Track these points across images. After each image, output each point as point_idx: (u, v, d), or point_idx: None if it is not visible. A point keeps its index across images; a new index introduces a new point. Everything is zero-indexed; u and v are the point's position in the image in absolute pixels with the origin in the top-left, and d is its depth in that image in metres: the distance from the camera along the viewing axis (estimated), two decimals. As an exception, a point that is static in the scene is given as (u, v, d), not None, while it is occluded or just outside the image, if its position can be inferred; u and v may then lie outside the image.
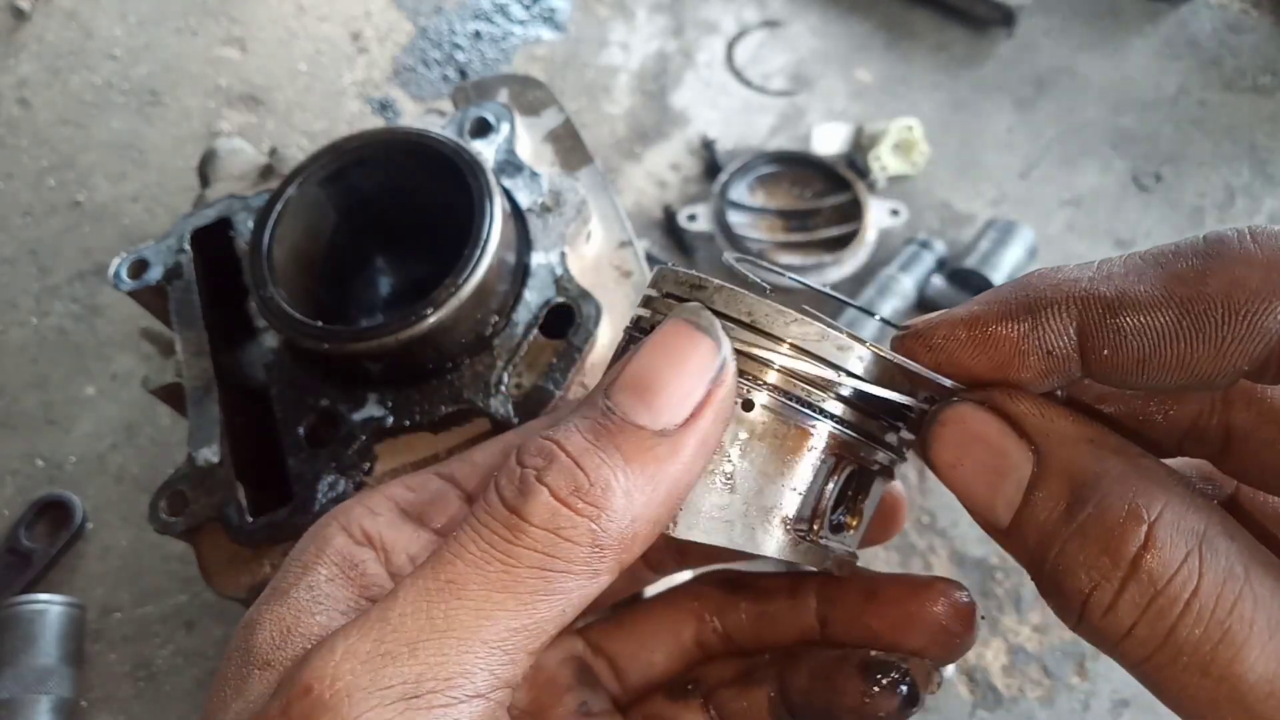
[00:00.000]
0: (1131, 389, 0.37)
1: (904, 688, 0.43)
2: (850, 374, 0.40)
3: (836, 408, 0.41)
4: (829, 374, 0.40)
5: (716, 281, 0.41)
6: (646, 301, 0.44)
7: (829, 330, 0.40)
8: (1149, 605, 0.32)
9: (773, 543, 0.41)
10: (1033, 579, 0.36)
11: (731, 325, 0.40)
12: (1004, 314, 0.37)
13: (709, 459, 0.39)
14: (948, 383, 0.39)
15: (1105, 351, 0.35)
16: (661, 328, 0.39)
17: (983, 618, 0.42)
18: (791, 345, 0.40)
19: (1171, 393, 0.39)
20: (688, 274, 0.42)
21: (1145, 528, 0.32)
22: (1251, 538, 0.33)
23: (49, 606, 1.14)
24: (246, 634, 0.40)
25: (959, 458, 0.38)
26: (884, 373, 0.41)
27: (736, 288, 0.41)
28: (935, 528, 1.28)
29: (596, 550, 0.36)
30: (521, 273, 0.74)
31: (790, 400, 0.40)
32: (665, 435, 0.37)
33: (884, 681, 0.43)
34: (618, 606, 0.54)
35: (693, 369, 0.38)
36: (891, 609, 0.44)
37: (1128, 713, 1.16)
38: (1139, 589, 0.32)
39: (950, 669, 1.16)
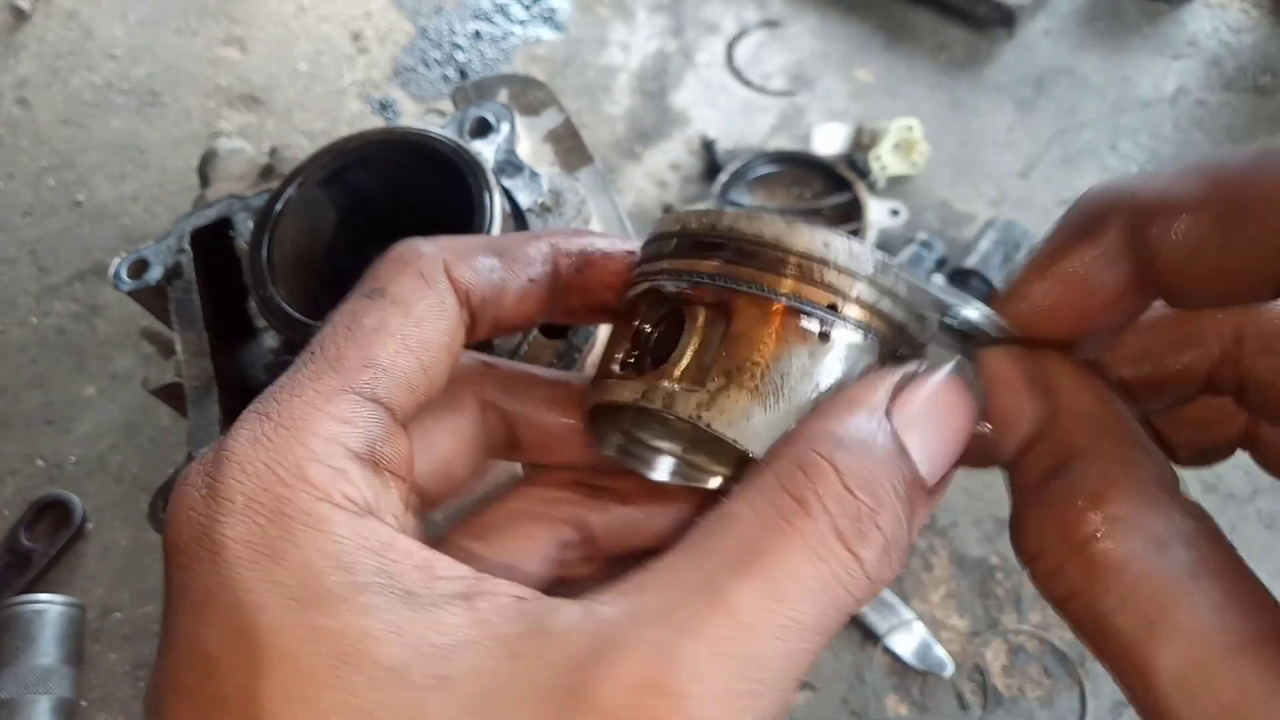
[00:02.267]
0: (1185, 307, 0.37)
1: None
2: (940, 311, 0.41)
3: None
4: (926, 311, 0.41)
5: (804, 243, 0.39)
6: (707, 252, 0.40)
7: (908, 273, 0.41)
8: (1084, 588, 0.33)
9: None
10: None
11: (848, 274, 0.39)
12: (1070, 241, 0.37)
13: None
14: (999, 326, 0.39)
15: (1149, 260, 0.35)
16: (956, 378, 0.38)
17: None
18: (873, 283, 0.40)
19: (1216, 306, 0.38)
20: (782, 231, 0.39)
21: (1101, 517, 0.33)
22: (1222, 551, 0.34)
23: (49, 606, 1.14)
24: (365, 646, 0.32)
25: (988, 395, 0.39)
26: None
27: (828, 231, 0.40)
28: (935, 527, 1.28)
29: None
30: (521, 273, 0.75)
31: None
32: (929, 493, 0.37)
33: None
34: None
35: (966, 438, 0.38)
36: None
37: (1128, 713, 1.16)
38: (1078, 570, 0.33)
39: (950, 668, 1.16)
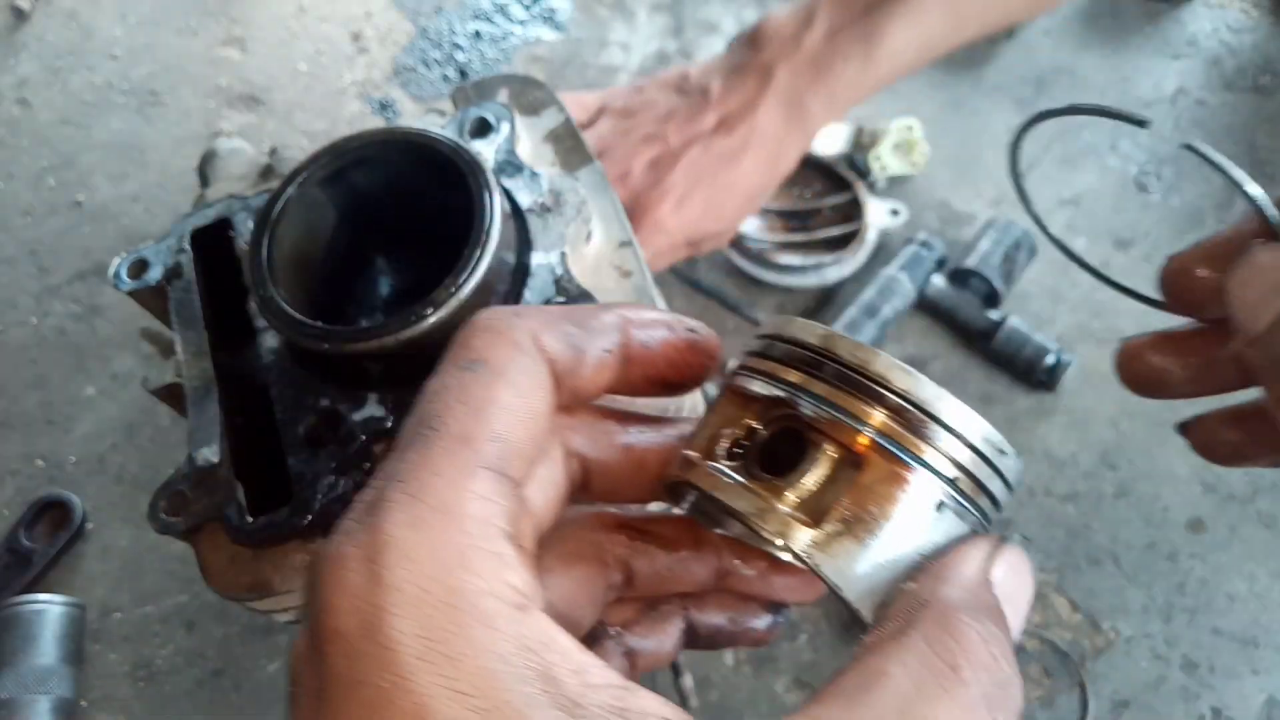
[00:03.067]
0: None
1: (786, 617, 0.55)
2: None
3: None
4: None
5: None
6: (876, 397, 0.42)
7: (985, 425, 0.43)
8: None
9: None
10: (1266, 378, 0.43)
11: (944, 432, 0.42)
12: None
13: None
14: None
15: None
16: (1019, 553, 0.42)
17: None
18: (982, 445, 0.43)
19: None
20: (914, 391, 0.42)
21: None
22: None
23: (49, 606, 1.14)
24: None
25: (1249, 281, 0.47)
26: None
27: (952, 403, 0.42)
28: (935, 528, 1.28)
29: None
30: (521, 273, 0.74)
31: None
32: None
33: (780, 615, 0.54)
34: None
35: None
36: (792, 575, 0.52)
37: (1128, 713, 1.16)
38: None
39: (950, 669, 1.16)
